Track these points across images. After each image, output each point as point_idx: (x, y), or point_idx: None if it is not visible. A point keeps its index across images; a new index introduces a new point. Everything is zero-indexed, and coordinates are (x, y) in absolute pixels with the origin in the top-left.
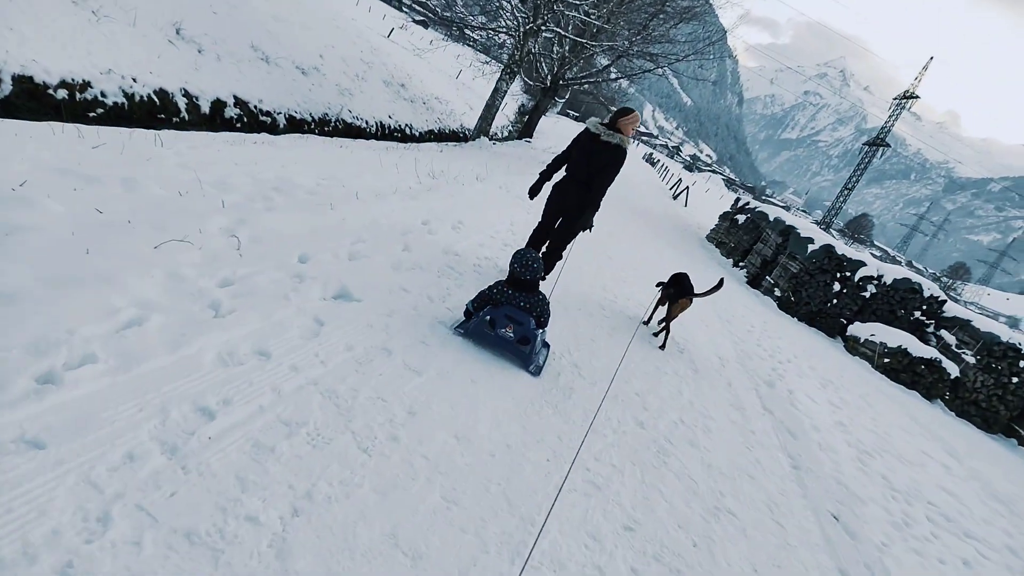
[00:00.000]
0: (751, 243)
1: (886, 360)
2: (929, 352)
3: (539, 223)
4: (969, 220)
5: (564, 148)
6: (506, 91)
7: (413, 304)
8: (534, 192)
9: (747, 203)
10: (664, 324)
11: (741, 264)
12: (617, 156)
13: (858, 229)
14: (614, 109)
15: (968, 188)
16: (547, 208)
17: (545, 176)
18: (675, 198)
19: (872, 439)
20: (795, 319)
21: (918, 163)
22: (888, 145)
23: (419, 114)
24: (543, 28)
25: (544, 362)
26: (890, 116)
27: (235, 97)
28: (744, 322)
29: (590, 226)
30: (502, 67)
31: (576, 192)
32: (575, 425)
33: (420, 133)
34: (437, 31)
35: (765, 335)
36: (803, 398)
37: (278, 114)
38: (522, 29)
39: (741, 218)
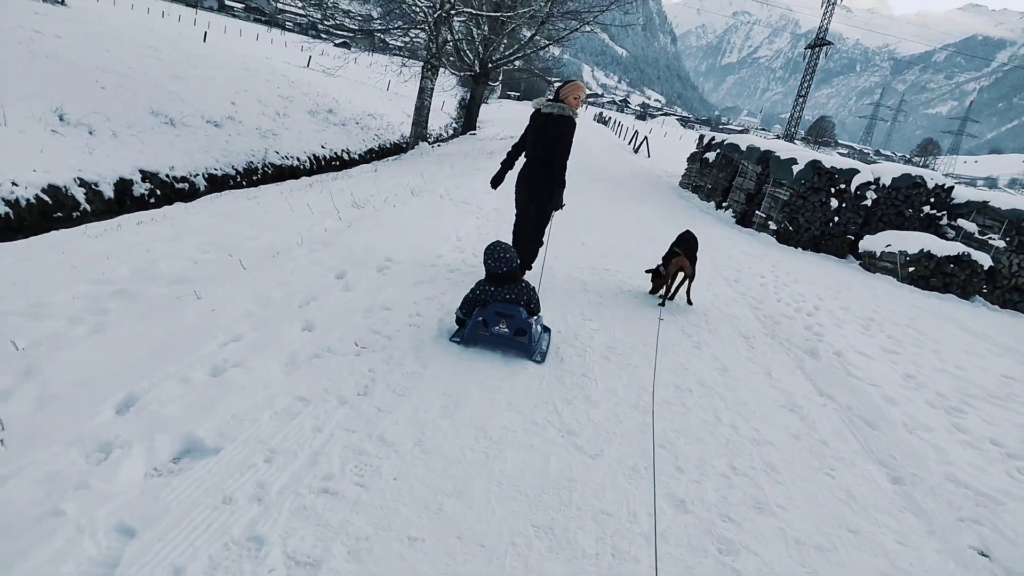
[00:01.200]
0: (729, 180)
1: (910, 269)
2: (953, 248)
3: (516, 216)
4: (923, 95)
5: (521, 135)
6: (432, 88)
7: (310, 428)
8: (496, 182)
9: (713, 139)
10: (665, 289)
11: (724, 204)
12: (565, 126)
13: (820, 133)
14: (554, 81)
15: (914, 64)
16: (517, 198)
17: (507, 164)
18: (636, 151)
19: (949, 384)
20: (799, 250)
21: (859, 53)
22: (831, 43)
23: (354, 136)
24: (453, 12)
25: (547, 347)
26: (824, 14)
27: (142, 172)
28: (752, 274)
29: (561, 205)
30: (426, 62)
31: (539, 175)
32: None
33: (359, 155)
34: (359, 48)
35: (779, 283)
36: (855, 358)
37: (195, 176)
38: (431, 19)
39: (711, 156)
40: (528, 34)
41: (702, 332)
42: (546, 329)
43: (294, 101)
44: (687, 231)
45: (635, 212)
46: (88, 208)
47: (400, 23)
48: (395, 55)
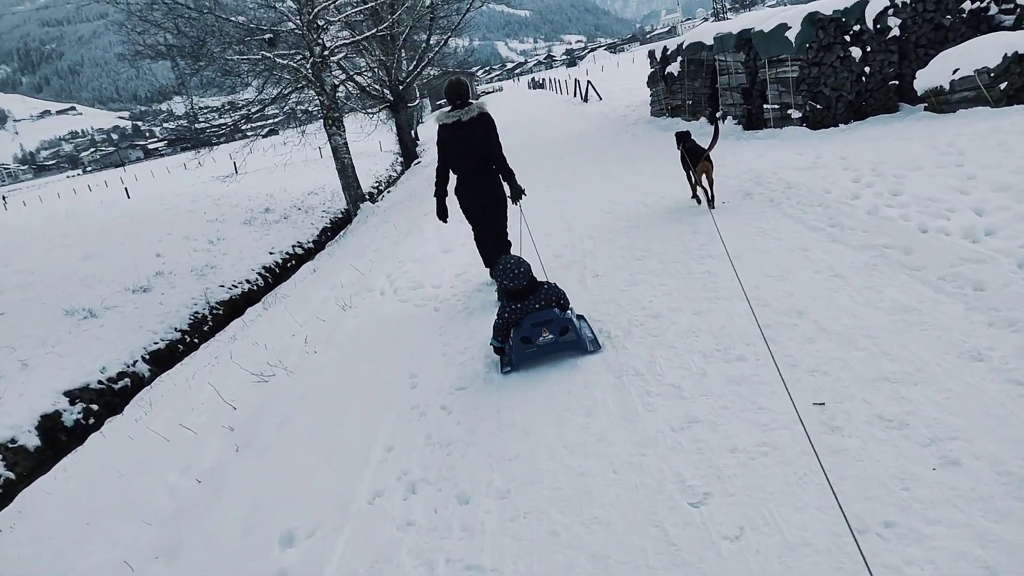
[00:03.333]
0: (710, 85)
1: (1002, 86)
2: None
3: (474, 232)
4: None
5: (438, 155)
6: (345, 143)
7: None
8: (442, 214)
9: (667, 50)
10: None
11: (718, 116)
12: (485, 122)
13: None
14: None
15: None
16: (466, 213)
17: (440, 192)
18: (586, 99)
19: None
20: (841, 127)
21: None
22: None
23: (300, 225)
24: (328, 53)
25: (593, 333)
26: None
27: (67, 393)
28: (816, 193)
29: (522, 191)
30: (324, 119)
31: (477, 182)
32: None
33: (313, 241)
34: (289, 128)
35: (864, 189)
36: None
37: (134, 364)
38: (308, 72)
39: (675, 68)
40: (424, 37)
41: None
42: (580, 317)
43: (225, 219)
44: (683, 133)
45: (615, 169)
46: (11, 475)
47: (280, 90)
48: (292, 127)
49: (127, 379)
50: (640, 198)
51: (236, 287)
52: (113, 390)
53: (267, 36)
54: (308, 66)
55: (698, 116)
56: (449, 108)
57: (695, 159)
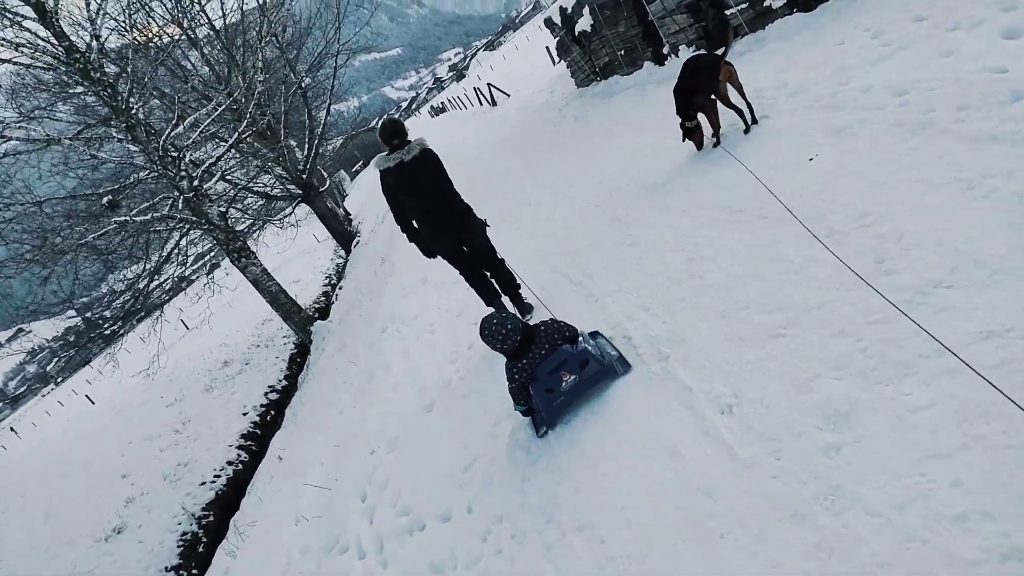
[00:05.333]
0: (640, 22)
1: None
2: None
3: (460, 273)
4: None
5: (388, 203)
6: (262, 268)
7: None
8: (427, 251)
9: (565, 10)
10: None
11: (665, 52)
12: (429, 158)
13: None
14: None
15: None
16: (446, 258)
17: (412, 231)
18: (495, 103)
19: None
20: None
21: None
22: None
23: (264, 365)
24: (199, 181)
25: (617, 349)
26: None
27: None
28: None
29: (485, 224)
30: (227, 254)
31: (442, 220)
32: None
33: (285, 375)
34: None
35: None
36: None
37: None
38: (182, 215)
39: (585, 23)
40: (309, 117)
41: None
42: (594, 335)
43: (185, 395)
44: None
45: (561, 160)
46: None
47: (161, 252)
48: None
49: None
50: (637, 173)
51: (218, 476)
52: None
53: (104, 201)
54: (180, 207)
55: (639, 63)
56: (388, 151)
57: (710, 75)
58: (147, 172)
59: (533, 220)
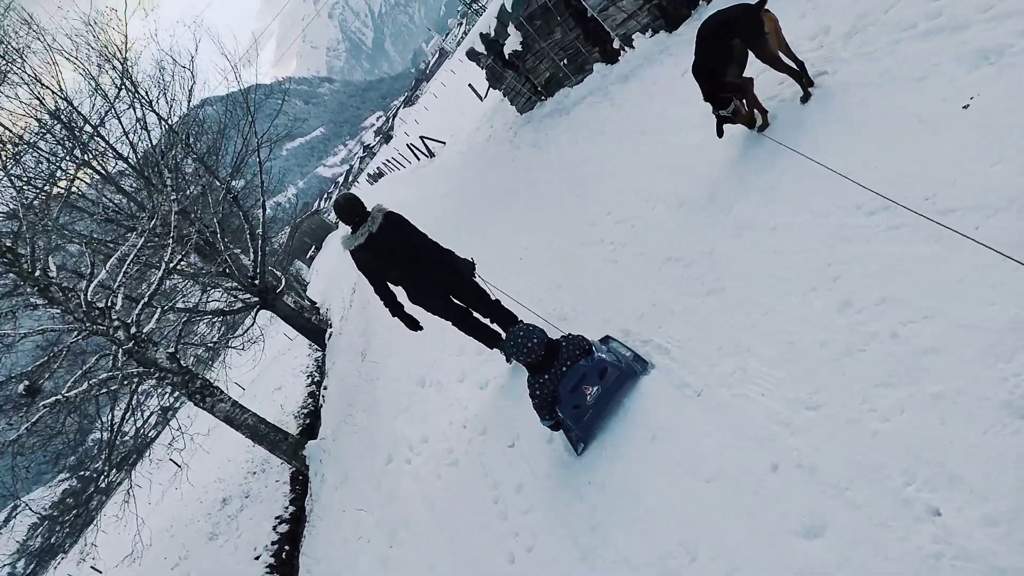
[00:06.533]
0: (578, 23)
1: None
2: None
3: (453, 324)
4: None
5: (369, 280)
6: (229, 400)
7: None
8: (412, 324)
9: (487, 35)
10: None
11: (616, 47)
12: (399, 222)
13: None
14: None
15: None
16: (439, 313)
17: (394, 307)
18: (432, 155)
19: None
20: None
21: None
22: None
23: (266, 494)
24: (139, 318)
25: (631, 350)
26: None
27: None
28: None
29: (472, 267)
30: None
31: (429, 270)
32: None
33: (291, 499)
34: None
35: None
36: None
37: None
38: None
39: (514, 42)
40: (246, 219)
41: None
42: (605, 340)
43: (189, 552)
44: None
45: (543, 194)
46: None
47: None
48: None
49: None
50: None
51: None
52: None
53: (20, 388)
54: (120, 362)
55: (587, 68)
56: (352, 229)
57: (749, 31)
58: (75, 333)
59: (548, 281)
